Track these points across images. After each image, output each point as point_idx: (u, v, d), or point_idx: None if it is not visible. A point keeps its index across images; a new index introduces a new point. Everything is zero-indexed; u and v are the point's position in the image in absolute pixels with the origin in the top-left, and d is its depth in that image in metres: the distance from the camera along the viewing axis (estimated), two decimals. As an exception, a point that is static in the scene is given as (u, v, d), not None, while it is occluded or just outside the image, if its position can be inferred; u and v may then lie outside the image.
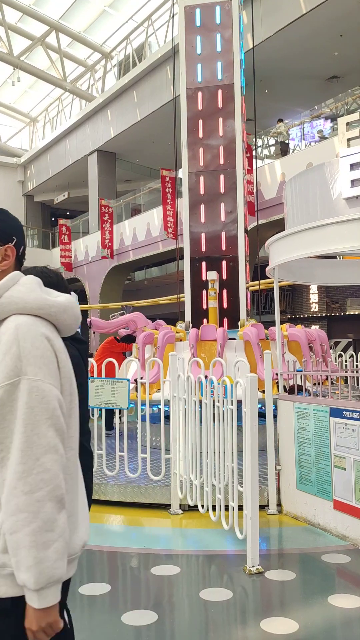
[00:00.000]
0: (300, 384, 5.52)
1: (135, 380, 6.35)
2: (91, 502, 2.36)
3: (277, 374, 5.60)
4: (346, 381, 7.42)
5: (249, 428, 3.93)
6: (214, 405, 4.65)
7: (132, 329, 8.46)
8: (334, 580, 3.85)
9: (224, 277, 8.13)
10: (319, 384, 5.23)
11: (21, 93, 27.15)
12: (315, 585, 3.67)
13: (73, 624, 1.67)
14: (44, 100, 27.34)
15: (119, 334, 8.97)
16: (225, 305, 8.10)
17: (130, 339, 8.64)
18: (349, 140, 4.61)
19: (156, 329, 8.01)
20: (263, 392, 5.37)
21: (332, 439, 4.61)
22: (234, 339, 7.28)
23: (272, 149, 17.84)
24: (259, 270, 9.91)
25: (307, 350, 7.31)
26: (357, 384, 4.76)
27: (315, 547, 4.39)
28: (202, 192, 8.24)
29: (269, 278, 7.38)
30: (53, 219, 28.50)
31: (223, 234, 8.17)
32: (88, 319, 8.81)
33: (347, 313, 19.91)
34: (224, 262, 8.16)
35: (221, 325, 7.93)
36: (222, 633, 3.14)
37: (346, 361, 8.96)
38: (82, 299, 23.21)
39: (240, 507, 4.17)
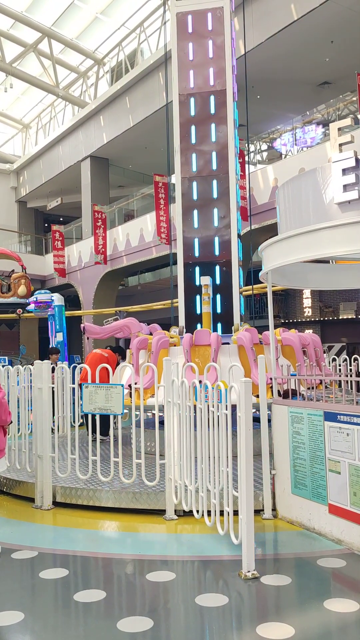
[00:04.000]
0: (294, 388, 5.53)
1: (130, 385, 6.34)
2: None
3: (271, 379, 5.61)
4: (340, 385, 7.45)
5: (243, 433, 3.93)
6: (208, 410, 4.64)
7: (125, 334, 8.45)
8: (329, 585, 3.85)
9: (218, 281, 8.14)
10: (313, 388, 5.24)
11: (14, 99, 27.17)
12: (311, 590, 3.67)
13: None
14: (37, 106, 27.36)
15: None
16: (218, 310, 8.10)
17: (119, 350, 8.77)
18: (340, 145, 4.63)
19: (151, 333, 8.00)
20: (257, 396, 5.37)
21: (326, 443, 4.61)
22: (228, 343, 7.29)
23: (265, 154, 17.93)
24: (252, 275, 9.93)
25: (301, 354, 7.33)
26: (351, 388, 4.77)
27: (311, 551, 4.39)
28: (195, 197, 8.26)
29: (262, 283, 7.40)
30: (46, 224, 28.48)
31: (216, 239, 8.19)
32: (82, 325, 8.80)
33: (340, 317, 19.97)
34: (217, 267, 8.18)
35: (215, 330, 7.93)
36: (218, 639, 3.13)
37: (339, 365, 8.98)
38: (76, 304, 23.20)
39: (236, 512, 4.16)
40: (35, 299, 14.07)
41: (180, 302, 8.33)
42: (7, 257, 15.58)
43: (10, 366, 6.80)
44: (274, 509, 5.24)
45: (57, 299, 13.74)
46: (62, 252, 23.09)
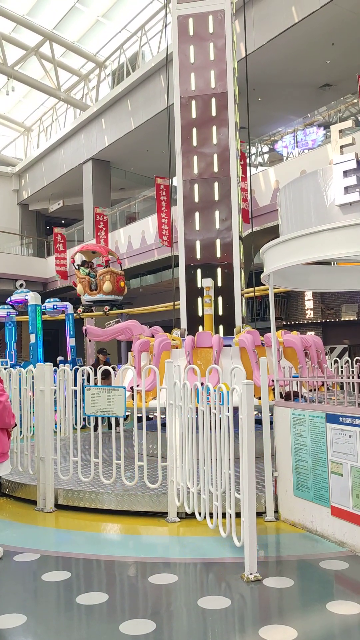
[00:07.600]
0: (296, 390, 5.52)
1: (132, 387, 6.35)
2: None
3: (273, 381, 5.60)
4: (342, 387, 7.44)
5: (245, 435, 3.93)
6: (210, 412, 4.64)
7: (127, 337, 8.46)
8: (332, 587, 3.84)
9: (219, 284, 8.14)
10: (315, 390, 5.23)
11: (15, 102, 27.24)
12: (313, 592, 3.66)
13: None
14: (39, 109, 27.44)
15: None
16: (220, 312, 8.10)
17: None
18: (342, 147, 4.64)
19: (152, 335, 8.00)
20: (259, 398, 5.37)
21: (328, 445, 4.61)
22: (230, 345, 7.29)
23: (266, 156, 17.94)
24: (254, 277, 9.94)
25: (303, 356, 7.32)
26: (353, 390, 4.77)
27: (313, 553, 4.38)
28: (196, 199, 8.26)
29: (264, 285, 7.40)
30: (48, 227, 28.52)
31: (218, 241, 8.19)
32: (84, 327, 8.80)
33: (342, 319, 19.96)
34: (219, 269, 8.18)
35: (217, 332, 7.93)
36: (221, 641, 3.12)
37: (342, 367, 8.97)
38: (78, 307, 23.15)
39: (238, 515, 4.15)
40: (10, 299, 13.72)
41: (182, 304, 8.33)
42: (96, 253, 14.95)
43: (12, 369, 6.81)
44: (276, 511, 5.23)
45: (32, 297, 11.96)
46: (63, 255, 23.10)
